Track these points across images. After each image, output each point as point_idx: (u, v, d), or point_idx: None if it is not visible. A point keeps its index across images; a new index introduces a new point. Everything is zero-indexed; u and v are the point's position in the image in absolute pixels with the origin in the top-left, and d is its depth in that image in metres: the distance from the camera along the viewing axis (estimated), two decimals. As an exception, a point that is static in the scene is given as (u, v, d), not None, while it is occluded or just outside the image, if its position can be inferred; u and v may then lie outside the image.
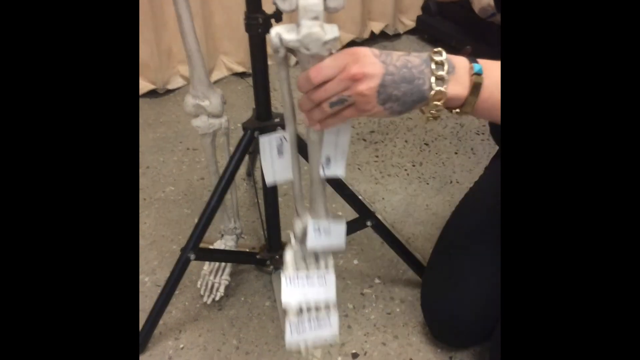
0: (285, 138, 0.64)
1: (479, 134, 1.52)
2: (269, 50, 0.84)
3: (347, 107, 0.56)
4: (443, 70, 0.56)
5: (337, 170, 0.63)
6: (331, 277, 0.70)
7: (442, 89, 0.56)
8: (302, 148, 0.66)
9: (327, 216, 0.67)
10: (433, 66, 0.56)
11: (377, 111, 0.56)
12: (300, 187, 0.68)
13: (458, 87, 0.56)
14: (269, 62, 0.81)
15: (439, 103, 0.57)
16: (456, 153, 1.46)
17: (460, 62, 0.57)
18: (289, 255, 0.70)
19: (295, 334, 0.68)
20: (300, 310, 0.69)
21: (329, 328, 0.70)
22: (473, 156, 1.44)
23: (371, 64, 0.54)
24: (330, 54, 0.54)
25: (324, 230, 0.67)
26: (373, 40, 2.03)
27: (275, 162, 0.66)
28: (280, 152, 0.65)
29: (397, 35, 2.07)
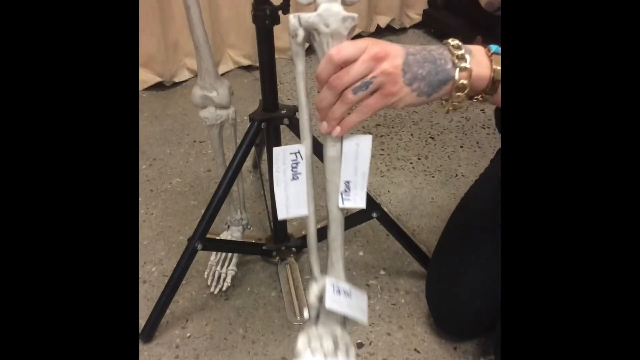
0: (301, 154, 0.56)
1: (484, 128, 1.53)
2: (276, 42, 0.85)
3: (372, 94, 0.53)
4: (461, 51, 0.55)
5: (358, 199, 0.56)
6: None
7: (467, 64, 0.54)
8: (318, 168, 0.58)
9: (345, 275, 0.59)
10: (451, 48, 0.55)
11: (404, 93, 0.53)
12: (315, 231, 0.59)
13: (480, 67, 0.55)
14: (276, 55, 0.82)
15: (466, 82, 0.54)
16: (462, 147, 1.46)
17: (476, 47, 0.57)
18: (301, 343, 0.59)
19: None
20: None
21: None
22: (478, 150, 1.45)
23: (391, 45, 0.53)
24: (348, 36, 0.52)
25: (344, 292, 0.58)
26: (379, 34, 2.03)
27: (288, 187, 0.57)
28: (294, 174, 0.57)
29: (403, 29, 2.07)
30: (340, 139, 0.56)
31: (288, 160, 0.57)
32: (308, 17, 0.52)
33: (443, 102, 0.58)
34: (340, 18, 0.51)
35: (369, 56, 0.52)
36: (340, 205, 0.57)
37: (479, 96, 0.58)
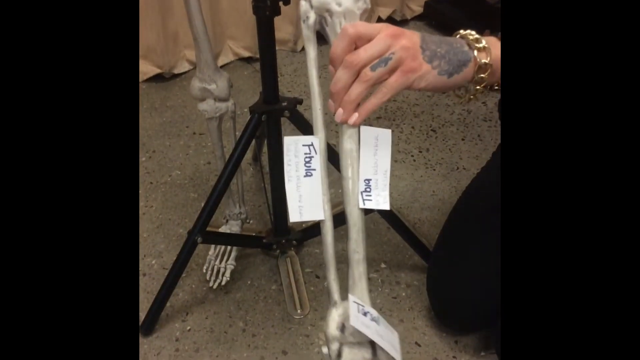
0: (314, 148, 0.50)
1: (486, 121, 1.52)
2: (277, 34, 0.84)
3: (391, 71, 0.49)
4: (475, 36, 0.54)
5: (380, 200, 0.50)
6: None
7: (484, 44, 0.53)
8: (333, 160, 0.54)
9: (369, 299, 0.51)
10: (464, 34, 0.55)
11: (425, 70, 0.50)
12: (332, 241, 0.51)
13: (497, 50, 0.54)
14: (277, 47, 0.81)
15: (487, 60, 0.53)
16: (463, 139, 1.45)
17: (487, 37, 0.56)
18: None
19: None
20: None
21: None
22: (480, 143, 1.44)
23: (405, 30, 0.52)
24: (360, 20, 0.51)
25: (370, 316, 0.49)
26: (380, 25, 2.02)
27: (301, 185, 0.50)
28: (308, 169, 0.50)
29: (404, 21, 2.05)
30: (357, 130, 0.51)
31: (301, 154, 0.51)
32: None
33: (460, 93, 0.57)
34: None
35: (386, 33, 0.49)
36: (361, 205, 0.50)
37: (497, 85, 0.57)
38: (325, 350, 0.48)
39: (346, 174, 0.50)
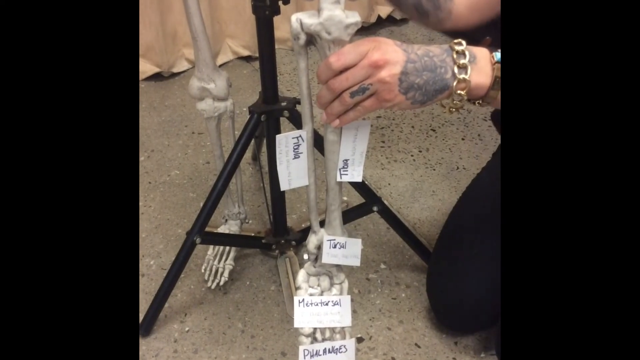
0: (302, 138, 0.61)
1: (486, 120, 1.51)
2: (276, 32, 0.83)
3: (368, 97, 0.55)
4: (465, 59, 0.55)
5: (355, 175, 0.61)
6: (347, 302, 0.67)
7: (466, 76, 0.55)
8: (319, 145, 0.64)
9: (342, 230, 0.65)
10: (454, 55, 0.55)
11: (399, 101, 0.55)
12: (315, 196, 0.65)
13: (481, 76, 0.56)
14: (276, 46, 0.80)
15: (462, 92, 0.56)
16: (463, 139, 1.45)
17: (481, 52, 0.56)
18: (301, 277, 0.67)
19: None
20: (314, 336, 0.67)
21: (345, 355, 0.67)
22: (480, 142, 1.43)
23: (393, 51, 0.54)
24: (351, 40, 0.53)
25: (340, 246, 0.65)
26: (380, 24, 2.01)
27: (291, 165, 0.62)
28: (296, 154, 0.62)
29: (404, 20, 2.04)
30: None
31: (290, 144, 0.61)
32: (310, 24, 0.52)
33: (442, 105, 0.59)
34: (342, 27, 0.52)
35: (368, 62, 0.53)
36: (338, 179, 0.61)
37: (479, 101, 0.59)
38: (306, 256, 0.68)
39: (329, 157, 0.60)
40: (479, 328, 0.94)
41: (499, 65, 0.56)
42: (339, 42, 0.53)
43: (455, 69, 0.55)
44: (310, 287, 0.68)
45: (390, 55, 0.53)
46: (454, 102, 0.57)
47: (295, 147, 0.61)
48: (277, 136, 0.60)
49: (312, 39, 0.54)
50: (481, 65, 0.56)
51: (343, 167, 0.60)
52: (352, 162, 0.60)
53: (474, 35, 0.62)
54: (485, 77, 0.56)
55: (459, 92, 0.56)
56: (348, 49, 0.53)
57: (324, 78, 0.55)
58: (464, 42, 0.56)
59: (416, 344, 0.93)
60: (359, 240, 0.66)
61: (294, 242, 1.04)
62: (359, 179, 0.61)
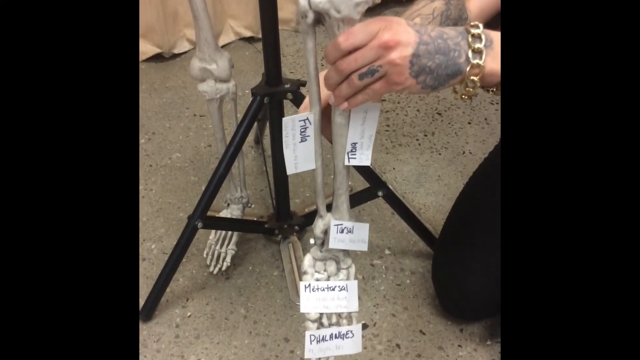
0: (309, 120, 0.58)
1: (493, 104, 1.49)
2: (280, 13, 0.81)
3: (377, 79, 0.53)
4: (480, 43, 0.53)
5: (363, 158, 0.59)
6: (353, 287, 0.66)
7: (480, 62, 0.53)
8: None
9: (349, 215, 0.64)
10: (469, 39, 0.53)
11: (409, 84, 0.53)
12: (322, 180, 0.63)
13: (496, 62, 0.53)
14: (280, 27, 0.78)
15: (475, 79, 0.53)
16: (469, 123, 1.42)
17: (498, 37, 0.54)
18: (307, 261, 0.67)
19: (316, 346, 0.66)
20: (321, 322, 0.67)
21: (351, 340, 0.67)
22: (487, 126, 1.41)
23: (405, 32, 0.51)
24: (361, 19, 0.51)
25: (347, 231, 0.64)
26: (385, 5, 1.97)
27: (297, 148, 0.60)
28: (303, 137, 0.60)
29: (409, 0, 2.01)
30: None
31: (297, 127, 0.59)
32: (318, 2, 0.50)
33: (455, 91, 0.57)
34: (352, 4, 0.49)
35: (378, 43, 0.50)
36: (346, 163, 0.59)
37: (493, 89, 0.56)
38: (312, 241, 0.67)
39: (337, 140, 0.59)
40: (485, 315, 0.93)
41: None
42: (349, 21, 0.50)
43: (470, 54, 0.53)
44: (316, 272, 0.67)
45: (402, 36, 0.51)
46: (467, 88, 0.54)
47: (302, 130, 0.59)
48: (284, 119, 0.58)
49: (320, 18, 0.52)
50: (497, 51, 0.53)
51: (351, 151, 0.59)
52: (360, 145, 0.59)
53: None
54: (500, 64, 0.53)
55: (472, 77, 0.53)
56: (358, 28, 0.50)
57: (331, 58, 0.52)
58: (480, 25, 0.53)
59: (421, 331, 0.92)
60: (367, 225, 0.65)
61: (297, 227, 1.03)
62: (367, 163, 0.60)
